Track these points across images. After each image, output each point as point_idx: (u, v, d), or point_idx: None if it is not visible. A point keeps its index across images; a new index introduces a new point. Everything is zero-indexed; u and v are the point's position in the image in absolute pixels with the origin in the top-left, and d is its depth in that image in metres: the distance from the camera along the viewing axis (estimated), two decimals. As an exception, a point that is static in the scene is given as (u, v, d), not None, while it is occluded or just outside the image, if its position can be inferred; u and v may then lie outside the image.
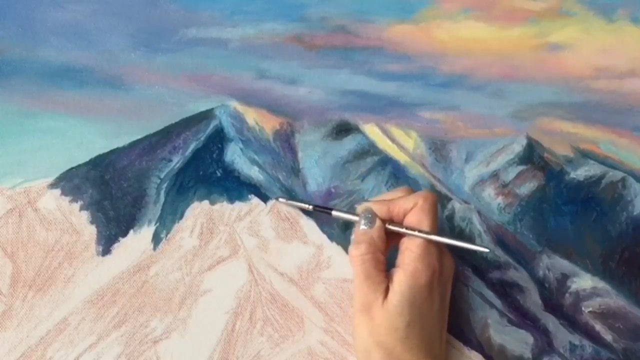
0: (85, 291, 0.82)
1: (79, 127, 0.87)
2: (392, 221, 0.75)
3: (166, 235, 0.84)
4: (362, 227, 0.74)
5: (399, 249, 0.69)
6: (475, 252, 0.74)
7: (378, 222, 0.69)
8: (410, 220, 0.69)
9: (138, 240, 0.84)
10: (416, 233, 0.72)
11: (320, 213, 0.83)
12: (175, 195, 0.86)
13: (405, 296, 0.65)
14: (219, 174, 0.86)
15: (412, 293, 0.66)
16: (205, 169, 0.87)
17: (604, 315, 0.86)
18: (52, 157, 0.86)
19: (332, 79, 0.90)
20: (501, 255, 0.87)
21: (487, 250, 0.74)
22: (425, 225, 0.68)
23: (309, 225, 0.84)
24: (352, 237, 0.77)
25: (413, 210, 0.69)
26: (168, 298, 0.83)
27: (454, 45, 0.92)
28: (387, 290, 0.67)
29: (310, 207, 0.83)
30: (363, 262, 0.68)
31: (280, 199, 0.86)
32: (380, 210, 0.70)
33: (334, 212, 0.80)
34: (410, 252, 0.67)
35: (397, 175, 0.86)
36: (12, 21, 0.89)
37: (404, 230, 0.72)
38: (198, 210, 0.86)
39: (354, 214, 0.72)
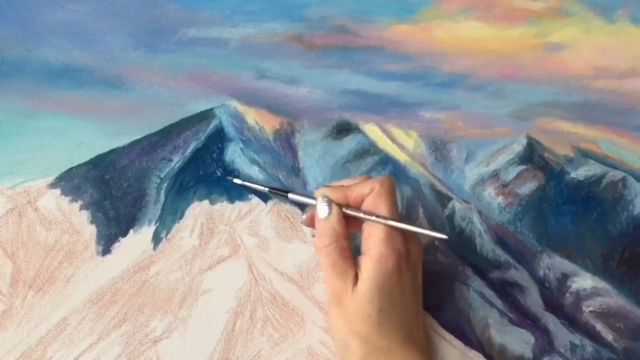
0: (85, 291, 0.82)
1: (79, 127, 0.87)
2: (349, 207, 0.74)
3: (166, 235, 0.84)
4: (320, 214, 0.73)
5: (362, 236, 0.69)
6: (434, 238, 0.73)
7: (335, 208, 0.69)
8: (367, 205, 0.68)
9: (138, 240, 0.84)
10: (373, 218, 0.71)
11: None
12: (175, 195, 0.86)
13: (373, 282, 0.65)
14: (219, 174, 0.86)
15: (380, 279, 0.65)
16: (206, 168, 0.87)
17: (605, 314, 0.85)
18: (52, 156, 0.86)
19: (332, 79, 0.90)
20: (501, 255, 0.86)
21: (445, 237, 0.72)
22: (383, 209, 0.68)
23: (309, 225, 0.84)
24: (302, 216, 0.78)
25: (370, 195, 0.68)
26: (168, 298, 0.82)
27: (454, 45, 0.92)
28: (356, 278, 0.67)
29: (266, 189, 0.83)
30: (328, 253, 0.67)
31: (236, 180, 0.86)
32: (336, 195, 0.70)
33: (290, 195, 0.79)
34: (373, 238, 0.67)
35: (397, 175, 0.86)
36: (12, 21, 0.89)
37: (361, 215, 0.70)
38: (198, 210, 0.86)
39: (311, 197, 0.72)
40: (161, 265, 0.82)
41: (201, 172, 0.86)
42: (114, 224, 0.84)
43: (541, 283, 0.85)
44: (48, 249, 0.82)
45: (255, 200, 0.86)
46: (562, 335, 0.84)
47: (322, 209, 0.73)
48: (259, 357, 0.80)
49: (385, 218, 0.72)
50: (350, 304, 0.66)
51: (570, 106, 0.90)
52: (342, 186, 0.74)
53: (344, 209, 0.73)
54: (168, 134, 0.86)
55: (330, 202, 0.73)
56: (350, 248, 0.69)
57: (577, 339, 0.84)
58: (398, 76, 0.90)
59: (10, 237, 0.82)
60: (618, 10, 0.91)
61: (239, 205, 0.85)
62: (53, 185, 0.85)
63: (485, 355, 0.83)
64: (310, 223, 0.78)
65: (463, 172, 0.88)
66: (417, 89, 0.90)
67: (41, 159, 0.86)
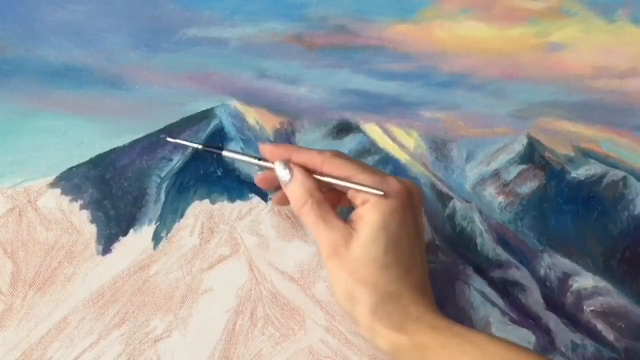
0: (85, 290, 0.82)
1: (78, 127, 0.87)
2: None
3: (167, 235, 0.84)
4: (283, 178, 0.70)
5: (350, 195, 0.67)
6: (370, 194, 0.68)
7: (296, 169, 0.68)
8: (332, 166, 0.68)
9: (138, 239, 0.84)
10: (333, 180, 0.68)
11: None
12: (175, 194, 0.86)
13: (376, 222, 0.63)
14: (219, 173, 0.86)
15: (382, 217, 0.63)
16: (206, 168, 0.87)
17: (606, 314, 0.85)
18: (52, 156, 0.86)
19: (332, 78, 0.90)
20: (502, 254, 0.86)
21: (381, 193, 0.65)
22: (352, 164, 0.67)
23: (310, 224, 0.84)
24: (257, 175, 0.78)
25: (327, 159, 0.68)
26: (168, 297, 0.82)
27: (454, 45, 0.92)
28: (346, 228, 0.65)
29: (200, 146, 0.82)
30: (309, 209, 0.65)
31: (168, 138, 0.85)
32: (283, 151, 0.71)
33: (225, 153, 0.75)
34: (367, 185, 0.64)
35: (397, 174, 0.86)
36: (12, 21, 0.89)
37: (331, 179, 0.68)
38: (198, 209, 0.86)
39: (250, 155, 0.71)
40: (161, 265, 0.82)
41: (201, 172, 0.86)
42: (114, 223, 0.84)
43: (542, 282, 0.85)
44: (48, 248, 0.82)
45: (255, 199, 0.86)
46: (563, 334, 0.84)
47: (282, 173, 0.71)
48: (259, 356, 0.79)
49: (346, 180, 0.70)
50: (352, 251, 0.63)
51: (571, 106, 0.90)
52: (287, 145, 0.73)
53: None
54: (168, 134, 0.86)
55: (288, 163, 0.71)
56: (326, 200, 0.66)
57: (578, 338, 0.84)
58: (398, 76, 0.90)
59: (10, 236, 0.82)
60: (618, 10, 0.91)
61: (239, 204, 0.85)
62: (53, 184, 0.85)
63: (486, 354, 0.82)
64: (265, 183, 0.78)
65: (464, 171, 0.88)
66: (417, 88, 0.90)
67: (41, 158, 0.86)
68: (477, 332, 0.66)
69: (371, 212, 0.63)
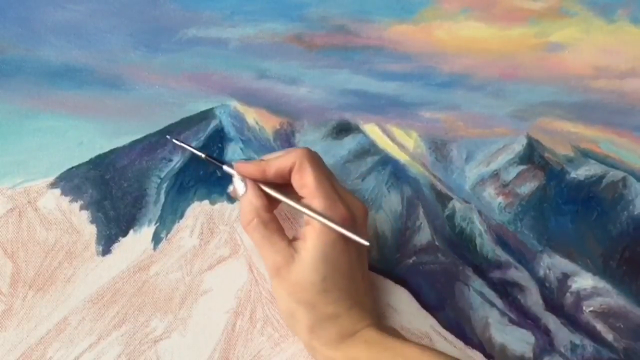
0: (85, 291, 0.82)
1: (79, 127, 0.87)
2: (267, 181, 0.70)
3: (166, 235, 0.84)
4: (239, 191, 0.71)
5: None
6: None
7: (249, 184, 0.69)
8: (295, 180, 0.68)
9: (138, 239, 0.84)
10: (283, 198, 0.69)
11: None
12: (175, 195, 0.86)
13: (318, 251, 0.64)
14: (219, 174, 0.86)
15: (324, 248, 0.64)
16: (206, 168, 0.87)
17: (605, 314, 0.85)
18: (52, 156, 0.86)
19: (332, 79, 0.90)
20: (502, 255, 0.86)
21: (366, 244, 0.66)
22: (311, 182, 0.67)
23: (310, 225, 0.84)
24: (229, 188, 0.77)
25: (294, 171, 0.68)
26: (168, 298, 0.82)
27: (454, 45, 0.92)
28: (291, 247, 0.66)
29: (203, 155, 0.77)
30: (254, 228, 0.67)
31: (175, 140, 0.85)
32: (252, 170, 0.69)
33: (225, 167, 0.74)
34: (314, 208, 0.65)
35: (397, 175, 0.86)
36: (12, 21, 0.89)
37: (275, 194, 0.69)
38: (198, 210, 0.86)
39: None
40: (161, 265, 0.82)
41: (201, 172, 0.86)
42: (114, 224, 0.84)
43: (541, 283, 0.85)
44: (48, 249, 0.82)
45: (255, 200, 0.85)
46: (563, 335, 0.84)
47: (239, 186, 0.72)
48: (259, 357, 0.80)
49: (299, 199, 0.70)
50: (292, 274, 0.65)
51: (571, 106, 0.90)
52: (261, 160, 0.73)
53: (262, 186, 0.69)
54: (168, 134, 0.86)
55: (244, 178, 0.73)
56: (276, 219, 0.68)
57: (577, 338, 0.84)
58: (398, 76, 0.90)
59: (10, 237, 0.82)
60: (618, 10, 0.91)
61: (239, 205, 0.85)
62: (53, 185, 0.85)
63: (485, 355, 0.83)
64: (236, 195, 0.77)
65: (463, 172, 0.88)
66: (417, 89, 0.90)
67: (41, 159, 0.86)
68: (412, 345, 0.69)
69: (314, 237, 0.65)
